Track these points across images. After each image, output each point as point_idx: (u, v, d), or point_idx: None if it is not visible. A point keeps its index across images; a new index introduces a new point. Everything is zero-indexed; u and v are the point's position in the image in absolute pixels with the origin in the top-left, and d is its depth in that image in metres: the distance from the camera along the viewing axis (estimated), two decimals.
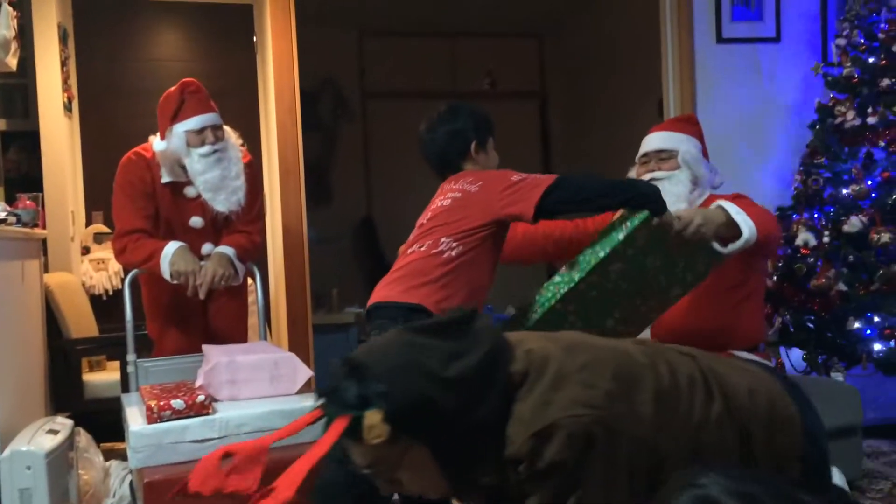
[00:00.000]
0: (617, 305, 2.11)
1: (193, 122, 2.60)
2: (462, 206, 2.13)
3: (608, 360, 1.32)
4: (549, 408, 1.24)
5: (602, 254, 1.99)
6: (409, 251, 2.17)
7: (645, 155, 2.63)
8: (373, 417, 1.19)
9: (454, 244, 2.08)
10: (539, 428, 1.22)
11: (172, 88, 2.65)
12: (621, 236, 1.97)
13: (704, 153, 2.67)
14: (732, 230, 2.14)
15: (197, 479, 1.25)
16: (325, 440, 1.22)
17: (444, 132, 2.32)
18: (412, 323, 1.38)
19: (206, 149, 2.61)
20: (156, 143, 2.66)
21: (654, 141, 2.62)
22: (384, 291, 2.11)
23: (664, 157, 2.57)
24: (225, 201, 2.68)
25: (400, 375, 1.23)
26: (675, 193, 2.46)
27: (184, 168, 2.67)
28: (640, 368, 1.34)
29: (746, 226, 2.14)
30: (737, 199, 2.39)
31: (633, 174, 2.62)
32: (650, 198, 2.01)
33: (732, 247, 2.16)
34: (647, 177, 2.51)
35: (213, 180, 2.64)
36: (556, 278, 2.10)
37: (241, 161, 2.74)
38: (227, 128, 2.73)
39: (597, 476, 1.21)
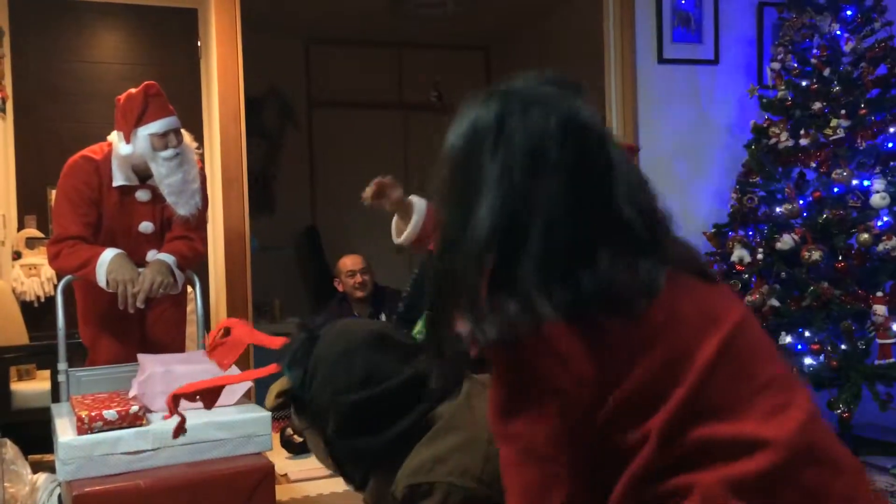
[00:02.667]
0: None
1: (158, 126, 2.57)
2: None
3: None
4: (441, 465, 1.22)
5: None
6: None
7: None
8: (277, 386, 1.31)
9: None
10: (421, 481, 1.22)
11: (134, 91, 2.60)
12: None
13: None
14: None
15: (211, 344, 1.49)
16: (252, 374, 1.40)
17: None
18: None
19: (169, 152, 2.58)
20: (121, 146, 2.59)
21: None
22: None
23: None
24: (186, 205, 2.65)
25: (323, 369, 1.31)
26: None
27: (137, 173, 2.63)
28: None
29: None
30: None
31: None
32: None
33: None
34: None
35: (177, 184, 2.61)
36: None
37: (197, 164, 2.71)
38: (183, 131, 2.70)
39: None
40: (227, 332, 1.47)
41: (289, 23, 5.65)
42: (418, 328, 2.38)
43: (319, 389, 1.30)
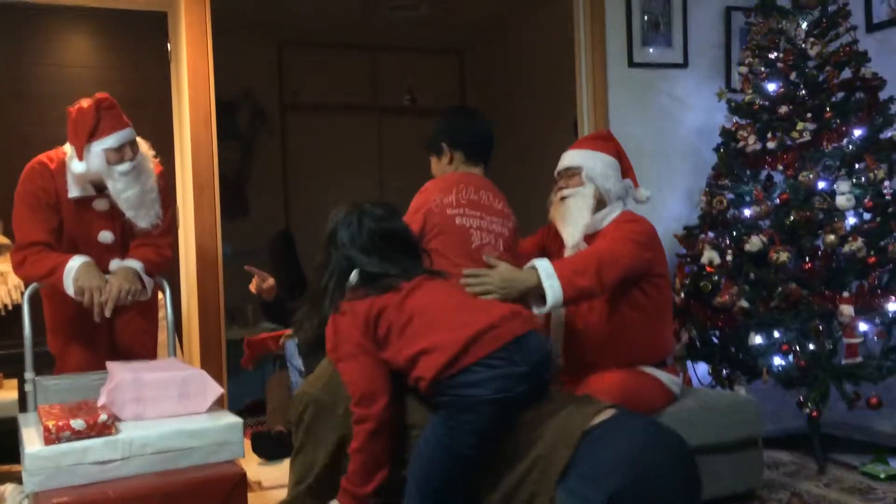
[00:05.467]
0: None
1: (112, 140, 2.50)
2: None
3: None
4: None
5: None
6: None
7: (558, 174, 2.73)
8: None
9: None
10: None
11: (85, 104, 2.52)
12: None
13: (628, 167, 2.74)
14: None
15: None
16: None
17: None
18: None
19: (126, 166, 2.52)
20: (74, 164, 2.53)
21: (564, 159, 2.73)
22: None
23: (571, 174, 2.67)
24: (145, 216, 2.61)
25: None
26: (579, 208, 2.57)
27: (94, 183, 2.58)
28: None
29: (551, 291, 2.21)
30: (618, 226, 2.52)
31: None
32: None
33: (540, 310, 2.26)
34: (557, 195, 2.63)
35: (135, 197, 2.56)
36: None
37: (154, 172, 2.67)
38: (139, 139, 2.65)
39: None
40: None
41: (262, 26, 5.62)
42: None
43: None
